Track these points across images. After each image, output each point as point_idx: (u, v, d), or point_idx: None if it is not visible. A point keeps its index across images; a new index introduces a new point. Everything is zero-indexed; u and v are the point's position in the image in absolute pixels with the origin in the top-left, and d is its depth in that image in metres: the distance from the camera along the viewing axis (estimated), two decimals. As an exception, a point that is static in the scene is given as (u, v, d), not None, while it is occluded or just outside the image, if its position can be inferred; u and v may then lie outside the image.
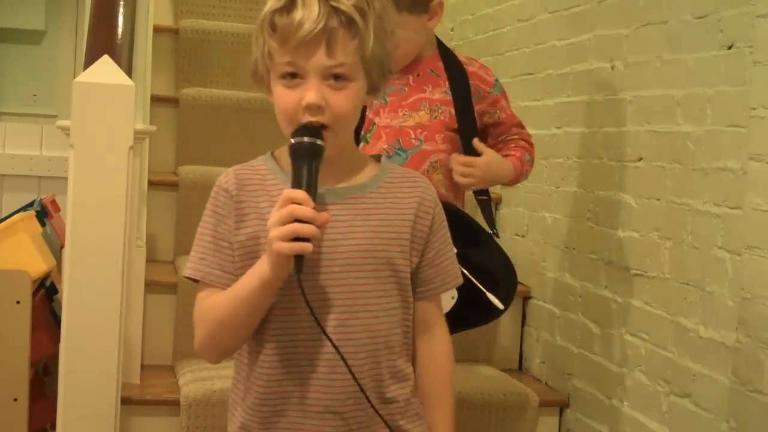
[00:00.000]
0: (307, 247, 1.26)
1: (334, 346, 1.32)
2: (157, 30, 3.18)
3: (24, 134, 3.87)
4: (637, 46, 2.38)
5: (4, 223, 2.54)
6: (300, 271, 1.28)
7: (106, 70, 2.21)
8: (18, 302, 2.39)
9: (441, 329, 1.49)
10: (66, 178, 2.22)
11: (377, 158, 1.47)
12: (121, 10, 2.39)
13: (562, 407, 2.68)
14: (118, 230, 2.22)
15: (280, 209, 1.27)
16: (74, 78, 2.24)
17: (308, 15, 1.30)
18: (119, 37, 2.36)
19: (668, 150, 2.22)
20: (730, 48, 2.01)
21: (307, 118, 1.32)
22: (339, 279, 1.35)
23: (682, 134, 2.17)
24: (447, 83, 2.10)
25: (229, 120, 3.24)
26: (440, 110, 2.08)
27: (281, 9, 1.32)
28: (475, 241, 2.05)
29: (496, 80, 2.15)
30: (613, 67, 2.50)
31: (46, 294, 2.74)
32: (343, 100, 1.33)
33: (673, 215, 2.19)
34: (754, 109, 1.89)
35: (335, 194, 1.37)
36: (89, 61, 2.25)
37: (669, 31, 2.24)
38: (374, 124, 2.08)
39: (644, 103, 2.34)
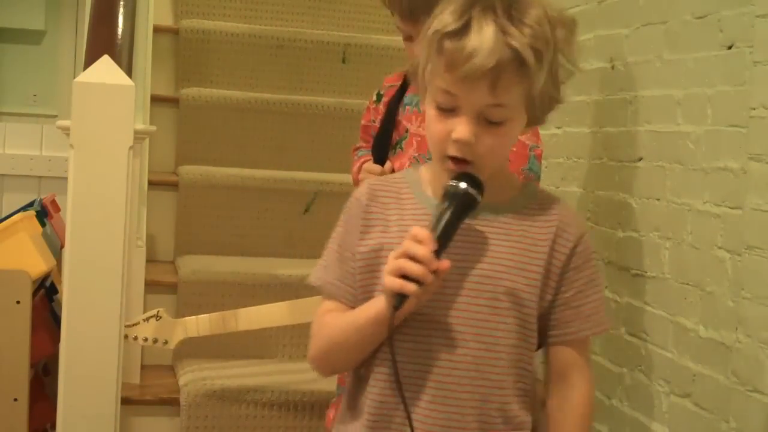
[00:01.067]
0: (409, 287, 1.19)
1: (395, 367, 1.24)
2: (157, 30, 3.18)
3: (24, 134, 3.87)
4: (637, 46, 2.38)
5: (4, 223, 2.53)
6: (397, 308, 1.20)
7: (106, 70, 2.21)
8: (18, 302, 2.39)
9: (580, 380, 1.37)
10: (66, 178, 2.22)
11: (525, 183, 1.39)
12: (121, 9, 2.39)
13: (562, 407, 2.67)
14: (118, 230, 2.21)
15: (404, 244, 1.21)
16: (74, 78, 2.24)
17: (480, 46, 1.19)
18: (119, 37, 2.36)
19: (668, 150, 2.22)
20: (730, 48, 2.01)
21: (453, 152, 1.24)
22: (451, 304, 1.27)
23: (682, 134, 2.17)
24: None
25: (229, 120, 3.24)
26: None
27: (453, 32, 1.21)
28: None
29: None
30: (613, 67, 2.50)
31: (46, 294, 2.74)
32: (493, 139, 1.24)
33: (673, 215, 2.19)
34: (754, 109, 1.89)
35: None
36: (89, 61, 2.25)
37: (669, 31, 2.24)
38: (407, 130, 2.06)
39: (644, 103, 2.34)
